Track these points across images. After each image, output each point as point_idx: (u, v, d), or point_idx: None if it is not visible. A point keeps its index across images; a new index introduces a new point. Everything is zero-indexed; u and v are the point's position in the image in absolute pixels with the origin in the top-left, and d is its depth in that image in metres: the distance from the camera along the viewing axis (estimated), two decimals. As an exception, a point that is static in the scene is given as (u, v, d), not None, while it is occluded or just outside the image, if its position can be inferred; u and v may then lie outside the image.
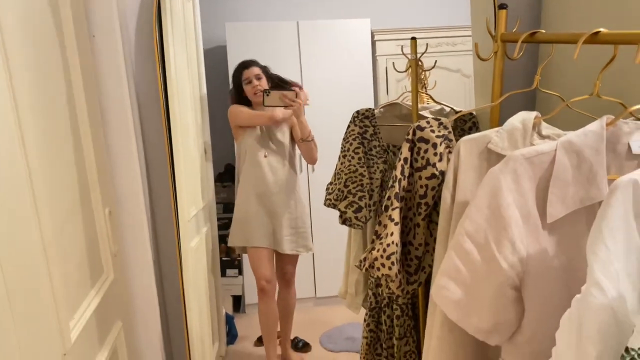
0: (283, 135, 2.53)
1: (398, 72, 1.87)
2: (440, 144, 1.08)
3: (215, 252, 2.65)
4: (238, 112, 2.54)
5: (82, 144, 1.22)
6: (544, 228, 0.88)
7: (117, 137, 1.39)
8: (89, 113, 1.25)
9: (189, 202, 2.06)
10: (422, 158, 1.09)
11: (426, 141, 1.09)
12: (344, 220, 1.74)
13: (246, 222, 2.53)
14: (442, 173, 1.09)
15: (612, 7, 1.24)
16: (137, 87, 1.56)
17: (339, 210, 1.73)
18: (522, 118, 0.96)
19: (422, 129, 1.10)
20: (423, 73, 1.99)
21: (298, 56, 3.58)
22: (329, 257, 3.60)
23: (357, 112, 1.77)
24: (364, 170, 1.70)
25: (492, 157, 0.97)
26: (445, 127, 1.10)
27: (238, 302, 3.65)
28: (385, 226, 1.11)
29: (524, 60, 1.42)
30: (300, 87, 2.56)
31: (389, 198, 1.12)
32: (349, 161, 1.72)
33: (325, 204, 1.77)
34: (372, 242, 1.13)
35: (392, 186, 1.12)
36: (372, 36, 3.74)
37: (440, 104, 1.93)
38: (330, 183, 1.78)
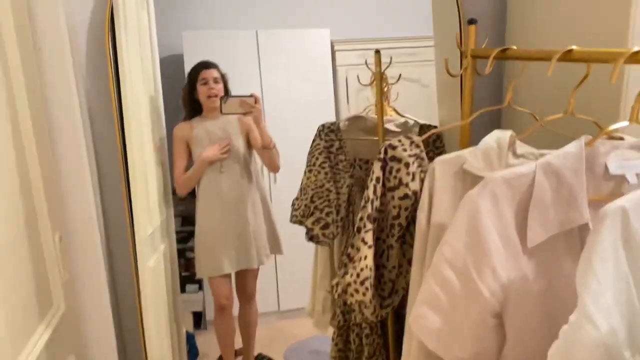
0: (239, 145, 2.38)
1: (362, 85, 1.82)
2: (413, 163, 1.04)
3: (174, 268, 2.54)
4: (177, 175, 2.39)
5: (27, 165, 1.11)
6: (524, 252, 0.84)
7: (67, 156, 1.29)
8: (35, 131, 1.14)
9: (145, 220, 1.96)
10: (395, 178, 1.05)
11: (398, 160, 1.04)
12: (310, 237, 1.68)
13: (212, 249, 2.37)
14: (415, 193, 1.04)
15: (574, 23, 1.24)
16: (90, 102, 1.45)
17: (306, 226, 1.67)
18: (497, 137, 0.93)
19: (393, 147, 1.05)
20: (387, 86, 1.96)
21: (257, 66, 3.51)
22: (292, 269, 3.53)
23: (323, 125, 1.72)
24: (331, 185, 1.65)
25: (468, 178, 0.93)
26: (417, 146, 1.05)
27: (199, 318, 3.52)
28: (358, 249, 1.05)
29: (490, 76, 1.40)
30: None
31: (361, 219, 1.07)
32: (315, 176, 1.66)
33: (291, 221, 1.70)
34: (345, 265, 1.08)
35: (365, 207, 1.07)
36: (332, 46, 3.71)
37: (404, 116, 1.91)
38: (296, 199, 1.71)
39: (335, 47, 3.72)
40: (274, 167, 2.44)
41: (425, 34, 4.08)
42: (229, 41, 3.54)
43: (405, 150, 1.04)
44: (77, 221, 1.32)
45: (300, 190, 1.72)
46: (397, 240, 1.07)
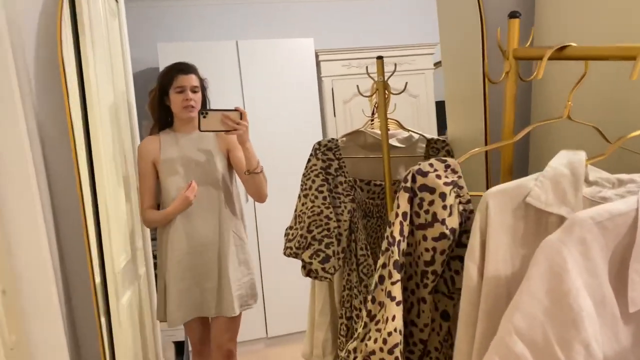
0: (217, 167, 1.94)
1: (363, 95, 1.59)
2: (450, 194, 0.80)
3: (152, 296, 2.26)
4: (143, 207, 1.96)
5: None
6: (622, 317, 0.61)
7: (12, 193, 1.02)
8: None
9: (119, 252, 1.69)
10: (427, 212, 0.81)
11: (431, 190, 0.81)
12: (308, 273, 1.43)
13: (177, 299, 1.94)
14: (454, 232, 0.81)
15: (623, 17, 1.02)
16: (41, 126, 1.19)
17: (303, 260, 1.42)
18: (569, 160, 0.70)
19: (424, 174, 0.82)
20: (388, 96, 1.73)
21: (239, 78, 3.26)
22: (280, 293, 3.27)
23: (319, 143, 1.48)
24: (330, 212, 1.41)
25: (531, 215, 0.70)
26: (454, 171, 0.82)
27: (181, 348, 3.23)
28: (382, 305, 0.81)
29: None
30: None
31: (384, 266, 0.82)
32: (312, 202, 1.42)
33: (285, 254, 1.46)
34: (364, 325, 0.83)
35: (388, 249, 0.83)
36: (317, 56, 3.48)
37: (408, 130, 1.68)
38: (290, 228, 1.47)
39: (320, 57, 3.49)
40: (260, 196, 1.99)
41: (412, 42, 3.90)
42: (208, 52, 3.28)
43: (439, 176, 0.81)
44: (28, 273, 1.05)
45: (295, 218, 1.47)
46: (431, 292, 0.83)
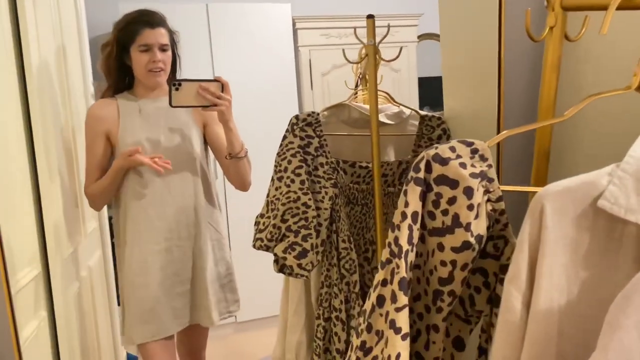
0: (190, 145, 1.56)
1: (350, 62, 1.35)
2: (478, 189, 0.58)
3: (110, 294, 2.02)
4: (86, 184, 1.56)
5: None
6: None
7: None
8: None
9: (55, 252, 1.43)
10: (445, 213, 0.59)
11: (453, 184, 0.58)
12: (281, 268, 1.21)
13: (147, 311, 1.53)
14: (480, 240, 0.59)
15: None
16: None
17: (276, 255, 1.20)
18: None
19: (444, 161, 0.59)
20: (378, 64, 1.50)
21: (209, 46, 2.96)
22: (250, 272, 3.05)
23: (297, 117, 1.24)
24: (309, 199, 1.18)
25: (601, 224, 0.49)
26: (483, 158, 0.60)
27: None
28: (380, 336, 0.59)
29: (526, 45, 0.97)
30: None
31: (384, 284, 0.60)
32: (288, 186, 1.19)
33: (255, 246, 1.23)
34: (356, 360, 0.61)
35: (391, 262, 0.61)
36: (294, 24, 3.21)
37: (399, 104, 1.45)
38: (261, 216, 1.24)
39: (297, 25, 3.21)
40: (243, 184, 1.62)
41: (396, 12, 3.64)
42: (174, 16, 2.96)
43: (463, 165, 0.58)
44: None
45: (267, 205, 1.24)
46: (446, 318, 0.62)
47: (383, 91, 1.42)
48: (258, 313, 3.10)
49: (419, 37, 3.48)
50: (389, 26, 1.25)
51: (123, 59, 1.56)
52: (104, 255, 2.09)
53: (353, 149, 1.38)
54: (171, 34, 1.60)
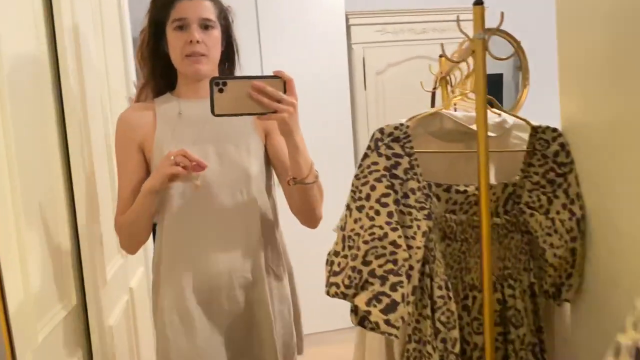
0: (248, 162, 1.17)
1: (451, 60, 1.06)
2: None
3: None
4: (117, 213, 1.19)
5: None
6: None
7: None
8: None
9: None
10: None
11: None
12: (361, 321, 0.94)
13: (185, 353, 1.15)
14: None
15: None
16: None
17: (356, 307, 0.93)
18: None
19: None
20: (458, 67, 1.20)
21: (257, 42, 2.72)
22: (310, 284, 2.79)
23: (381, 131, 0.95)
24: (398, 236, 0.91)
25: None
26: None
27: None
28: None
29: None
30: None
31: None
32: (371, 219, 0.92)
33: (329, 293, 0.96)
34: None
35: None
36: (347, 20, 2.93)
37: (500, 111, 1.16)
38: (336, 254, 0.97)
39: (350, 21, 2.93)
40: (309, 218, 1.19)
41: (457, 6, 3.30)
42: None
43: None
44: None
45: (342, 240, 0.97)
46: None
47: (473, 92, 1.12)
48: (318, 327, 2.84)
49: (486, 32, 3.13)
50: (502, 14, 0.95)
51: (160, 45, 1.18)
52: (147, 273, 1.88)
53: (446, 169, 1.09)
54: (221, 7, 1.19)
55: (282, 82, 0.98)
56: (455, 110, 1.45)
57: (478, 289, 1.03)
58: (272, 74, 0.99)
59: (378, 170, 0.93)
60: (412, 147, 0.97)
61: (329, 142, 2.76)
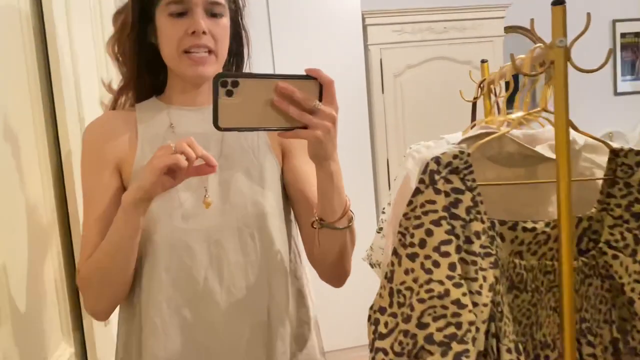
0: (261, 191, 0.87)
1: (525, 74, 0.87)
2: None
3: None
4: (82, 259, 0.85)
5: None
6: None
7: None
8: None
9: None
10: None
11: None
12: (414, 395, 0.77)
13: None
14: None
15: None
16: None
17: (409, 380, 0.75)
18: None
19: None
20: (530, 79, 1.00)
21: (269, 43, 2.54)
22: (332, 300, 2.61)
23: (437, 161, 0.77)
24: (463, 294, 0.73)
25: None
26: None
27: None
28: None
29: None
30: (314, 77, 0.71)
31: None
32: (428, 272, 0.74)
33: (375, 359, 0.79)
34: None
35: None
36: (363, 20, 2.74)
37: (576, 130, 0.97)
38: (381, 310, 0.78)
39: (367, 21, 2.75)
40: (336, 273, 0.90)
41: (479, 3, 3.11)
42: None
43: None
44: None
45: (390, 294, 0.78)
46: None
47: (545, 109, 0.93)
48: (341, 343, 2.68)
49: (506, 29, 2.94)
50: (589, 17, 0.76)
51: (145, 33, 0.87)
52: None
53: (507, 201, 0.91)
54: None
55: (318, 85, 0.70)
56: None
57: (551, 347, 0.85)
58: (303, 74, 0.70)
59: (436, 211, 0.75)
60: (474, 180, 0.79)
61: (345, 149, 2.56)
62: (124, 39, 0.87)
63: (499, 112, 1.29)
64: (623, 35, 3.10)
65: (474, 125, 1.32)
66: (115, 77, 0.92)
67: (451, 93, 3.04)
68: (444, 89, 2.80)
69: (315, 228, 0.81)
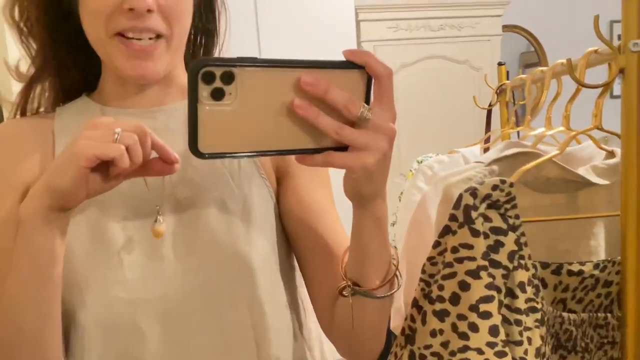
0: (246, 237, 0.58)
1: (582, 84, 0.70)
2: None
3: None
4: None
5: None
6: None
7: None
8: None
9: None
10: None
11: None
12: None
13: None
14: None
15: None
16: None
17: None
18: None
19: None
20: (542, 91, 0.84)
21: (256, 40, 2.35)
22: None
23: (473, 194, 0.58)
24: (507, 365, 0.57)
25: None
26: None
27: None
28: None
29: None
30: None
31: None
32: (463, 336, 0.57)
33: None
34: None
35: None
36: (356, 15, 2.56)
37: (606, 147, 0.81)
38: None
39: (360, 16, 2.57)
40: (368, 348, 0.60)
41: (477, 1, 2.96)
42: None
43: None
44: None
45: (410, 356, 0.62)
46: None
47: (599, 128, 0.76)
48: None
49: (504, 27, 2.79)
50: None
51: (69, 21, 0.59)
52: None
53: (547, 235, 0.75)
54: None
55: (365, 78, 0.44)
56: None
57: (601, 417, 0.69)
58: (341, 59, 0.43)
59: (473, 258, 0.58)
60: (517, 216, 0.62)
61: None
62: (31, 7, 0.58)
63: (517, 122, 1.13)
64: (620, 37, 2.97)
65: (489, 137, 1.16)
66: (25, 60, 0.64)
67: (447, 93, 2.90)
68: (439, 89, 2.65)
69: (345, 296, 0.52)
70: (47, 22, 0.58)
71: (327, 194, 0.60)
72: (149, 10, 0.52)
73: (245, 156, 0.43)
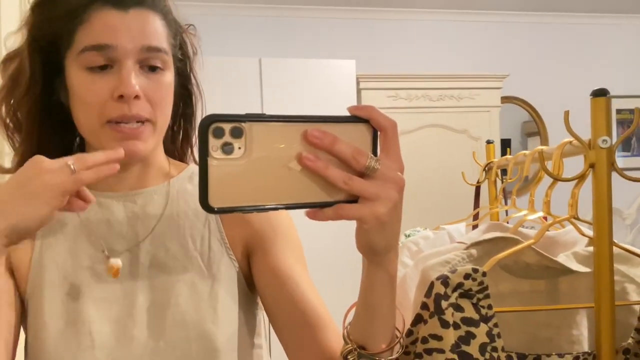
0: (212, 316, 0.60)
1: (555, 178, 0.71)
2: None
3: None
4: None
5: None
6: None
7: None
8: None
9: None
10: None
11: None
12: None
13: None
14: None
15: None
16: None
17: None
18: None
19: None
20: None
21: (260, 103, 2.42)
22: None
23: (444, 282, 0.57)
24: None
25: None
26: None
27: None
28: None
29: None
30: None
31: None
32: None
33: None
34: None
35: None
36: (357, 83, 2.64)
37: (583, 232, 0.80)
38: None
39: (361, 85, 2.64)
40: None
41: (476, 73, 3.04)
42: (226, 70, 2.44)
43: None
44: None
45: None
46: None
47: (575, 217, 0.76)
48: None
49: (502, 99, 2.85)
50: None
51: (51, 88, 0.60)
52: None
53: (525, 322, 0.72)
54: (176, 29, 0.62)
55: (371, 131, 0.44)
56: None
57: None
58: (346, 115, 0.44)
59: (442, 351, 0.56)
60: (490, 306, 0.60)
61: (336, 230, 2.41)
62: (19, 100, 0.59)
63: (505, 201, 1.13)
64: (619, 111, 3.03)
65: (477, 213, 1.16)
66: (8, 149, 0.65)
67: (444, 162, 2.92)
68: (437, 158, 2.67)
69: None
70: (38, 116, 0.60)
71: (300, 261, 0.61)
72: (136, 97, 0.55)
73: (255, 210, 0.42)
